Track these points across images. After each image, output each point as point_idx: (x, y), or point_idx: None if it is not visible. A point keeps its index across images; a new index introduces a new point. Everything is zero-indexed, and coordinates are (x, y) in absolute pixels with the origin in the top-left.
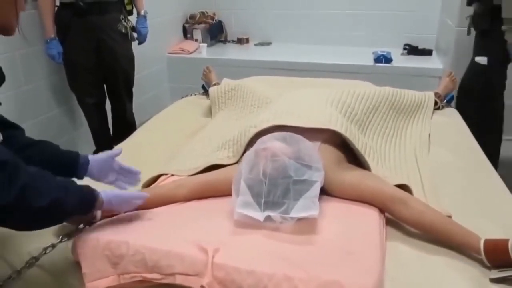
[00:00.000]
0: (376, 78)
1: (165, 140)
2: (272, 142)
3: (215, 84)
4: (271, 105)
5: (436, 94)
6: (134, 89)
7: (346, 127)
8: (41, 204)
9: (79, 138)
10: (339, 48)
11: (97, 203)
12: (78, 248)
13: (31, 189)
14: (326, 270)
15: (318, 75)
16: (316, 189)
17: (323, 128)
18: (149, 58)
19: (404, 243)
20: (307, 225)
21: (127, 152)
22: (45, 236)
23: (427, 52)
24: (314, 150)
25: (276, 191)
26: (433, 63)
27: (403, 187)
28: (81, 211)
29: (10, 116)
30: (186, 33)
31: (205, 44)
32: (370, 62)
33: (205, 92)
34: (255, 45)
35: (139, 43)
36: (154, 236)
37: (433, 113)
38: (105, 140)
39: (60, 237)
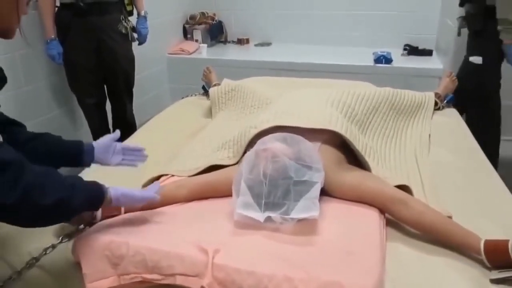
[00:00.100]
0: (376, 79)
1: (165, 141)
2: (272, 143)
3: (215, 85)
4: (271, 105)
5: (436, 94)
6: (134, 90)
7: (347, 128)
8: (46, 203)
9: (79, 139)
10: (339, 49)
11: (105, 200)
12: (79, 249)
13: (36, 188)
14: (327, 271)
15: (318, 76)
16: (316, 190)
17: (323, 129)
18: (149, 59)
19: (404, 243)
20: (307, 226)
21: None
22: (46, 237)
23: (427, 53)
24: (314, 151)
25: (276, 192)
26: (433, 63)
27: (404, 187)
28: (89, 208)
29: (10, 117)
30: (186, 33)
31: (205, 45)
32: (370, 62)
33: (205, 92)
34: (255, 45)
35: (139, 44)
36: (154, 236)
37: (433, 113)
38: None
39: (61, 238)
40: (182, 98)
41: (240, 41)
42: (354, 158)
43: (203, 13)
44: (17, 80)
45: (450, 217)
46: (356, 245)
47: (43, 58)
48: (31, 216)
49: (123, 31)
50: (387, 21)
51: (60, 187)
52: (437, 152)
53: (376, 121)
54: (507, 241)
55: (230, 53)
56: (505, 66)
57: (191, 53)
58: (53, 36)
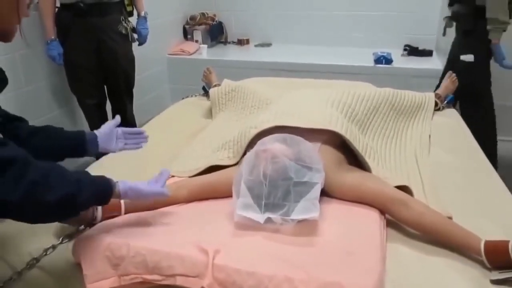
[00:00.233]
0: (377, 79)
1: (165, 141)
2: (272, 144)
3: (215, 85)
4: (271, 106)
5: (436, 95)
6: (134, 90)
7: (347, 128)
8: (51, 199)
9: None
10: (339, 49)
11: (114, 194)
12: (79, 249)
13: (41, 185)
14: (327, 271)
15: (318, 76)
16: (316, 191)
17: (323, 129)
18: (150, 59)
19: (404, 244)
20: (307, 227)
21: (127, 152)
22: (46, 237)
23: (427, 53)
24: (314, 151)
25: (276, 193)
26: (434, 64)
27: (404, 188)
28: (97, 202)
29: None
30: (187, 34)
31: (206, 45)
32: (371, 63)
33: (206, 93)
34: (255, 46)
35: (140, 44)
36: (154, 237)
37: (433, 114)
38: None
39: (61, 238)
40: (182, 98)
41: (240, 42)
42: (354, 159)
43: (203, 14)
44: (17, 80)
45: (450, 218)
46: (356, 245)
47: (44, 58)
48: (37, 212)
49: (123, 31)
50: (387, 21)
51: (65, 182)
52: (437, 152)
53: (376, 121)
54: (507, 242)
55: (230, 53)
56: (510, 70)
57: (191, 54)
58: (53, 37)
